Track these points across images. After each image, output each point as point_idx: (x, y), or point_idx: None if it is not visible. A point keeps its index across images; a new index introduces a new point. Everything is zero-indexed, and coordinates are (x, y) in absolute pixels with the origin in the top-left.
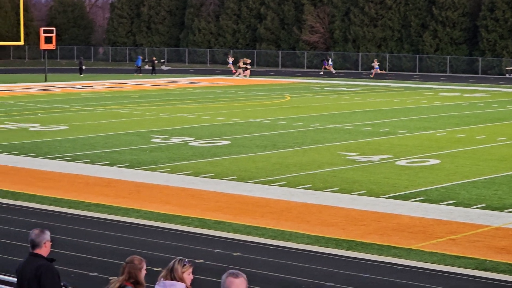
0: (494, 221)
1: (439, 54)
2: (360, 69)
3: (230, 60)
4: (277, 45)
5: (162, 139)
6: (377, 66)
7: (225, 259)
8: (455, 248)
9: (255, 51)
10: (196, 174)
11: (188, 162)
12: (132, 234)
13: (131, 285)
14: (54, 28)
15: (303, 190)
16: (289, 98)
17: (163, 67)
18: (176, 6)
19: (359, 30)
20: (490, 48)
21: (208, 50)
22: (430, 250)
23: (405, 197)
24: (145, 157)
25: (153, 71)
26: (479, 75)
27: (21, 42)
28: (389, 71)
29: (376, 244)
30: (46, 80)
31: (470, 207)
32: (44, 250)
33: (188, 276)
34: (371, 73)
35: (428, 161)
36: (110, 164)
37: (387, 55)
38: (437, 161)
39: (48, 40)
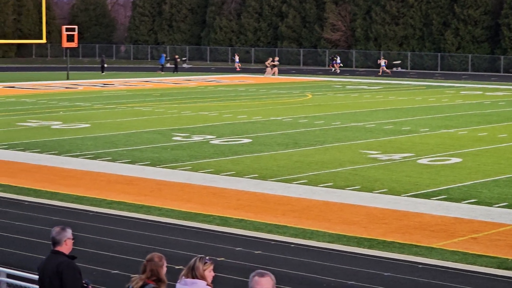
0: None
1: (460, 53)
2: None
3: (237, 58)
4: (299, 43)
5: (184, 137)
6: (384, 64)
7: (246, 257)
8: (476, 247)
9: (277, 49)
10: (217, 172)
11: (209, 160)
12: (154, 232)
13: (153, 282)
14: (76, 26)
15: (324, 188)
16: (310, 96)
17: (184, 65)
18: (198, 4)
19: (381, 28)
20: None
21: (230, 48)
22: (452, 249)
23: (427, 196)
24: (166, 155)
25: (176, 69)
26: (501, 74)
27: (43, 40)
28: (410, 69)
29: (398, 243)
30: (68, 78)
31: (491, 206)
32: (65, 248)
33: (210, 273)
34: (379, 72)
35: (450, 159)
36: (132, 162)
37: (409, 54)
38: (458, 160)
39: (70, 38)
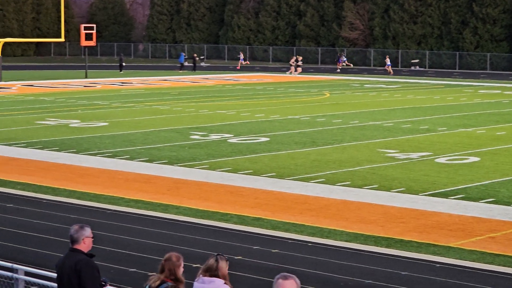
0: None
1: (479, 51)
2: (400, 66)
3: (241, 56)
4: (317, 42)
5: (201, 135)
6: (389, 63)
7: (263, 256)
8: (494, 246)
9: (295, 48)
10: (235, 170)
11: (227, 158)
12: (171, 230)
13: (172, 281)
14: (94, 25)
15: (342, 187)
16: (328, 95)
17: (202, 63)
18: (216, 3)
19: (399, 27)
20: None
21: (248, 47)
22: (470, 248)
23: (445, 195)
24: (184, 154)
25: (194, 68)
26: None
27: (62, 39)
28: (428, 68)
29: (415, 242)
30: (86, 77)
31: (510, 205)
32: (83, 246)
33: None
34: (387, 71)
35: (468, 158)
36: (150, 161)
37: (427, 52)
38: (477, 159)
39: (88, 37)
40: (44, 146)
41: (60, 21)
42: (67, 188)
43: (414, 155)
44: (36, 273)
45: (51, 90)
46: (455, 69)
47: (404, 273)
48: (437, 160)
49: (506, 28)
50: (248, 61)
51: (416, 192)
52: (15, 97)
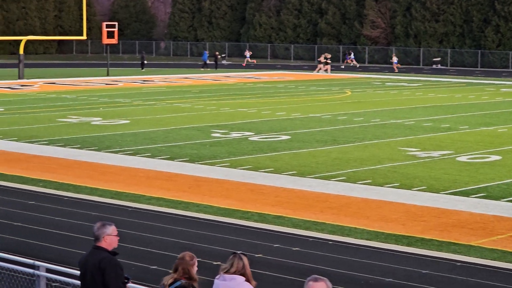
0: None
1: (501, 50)
2: (421, 64)
3: (248, 54)
4: (338, 40)
5: (222, 133)
6: (396, 61)
7: (284, 254)
8: None
9: (316, 46)
10: (256, 168)
11: (248, 156)
12: (192, 228)
13: (185, 279)
14: (116, 23)
15: (363, 185)
16: (349, 93)
17: (224, 61)
18: (237, 1)
19: (421, 25)
20: None
21: (269, 45)
22: (491, 247)
23: (466, 193)
24: (205, 152)
25: (216, 66)
26: None
27: (84, 37)
28: (450, 66)
29: (436, 240)
30: (108, 75)
31: None
32: (105, 244)
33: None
34: (394, 69)
35: (489, 157)
36: (171, 158)
37: (449, 51)
38: (498, 157)
39: (110, 35)
40: (65, 143)
41: (82, 19)
42: (88, 186)
43: (435, 153)
44: (57, 270)
45: (73, 88)
46: (477, 67)
47: (424, 271)
48: (458, 158)
49: None
50: (270, 59)
51: (437, 191)
52: (37, 94)
